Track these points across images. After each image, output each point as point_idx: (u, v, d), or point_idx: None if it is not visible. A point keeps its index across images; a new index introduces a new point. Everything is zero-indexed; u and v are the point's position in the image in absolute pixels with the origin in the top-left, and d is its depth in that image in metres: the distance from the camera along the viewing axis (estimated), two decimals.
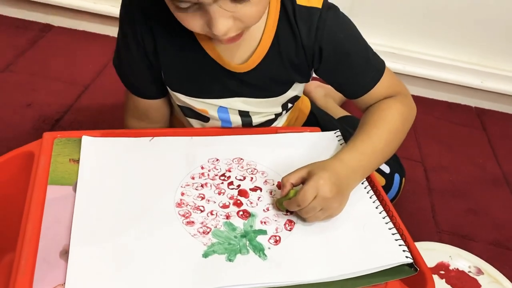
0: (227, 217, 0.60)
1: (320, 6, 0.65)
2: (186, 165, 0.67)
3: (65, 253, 0.52)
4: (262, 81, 0.70)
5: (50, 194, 0.59)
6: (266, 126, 0.79)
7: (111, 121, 1.11)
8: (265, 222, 0.60)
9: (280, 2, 0.65)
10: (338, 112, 1.13)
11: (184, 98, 0.73)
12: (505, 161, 1.23)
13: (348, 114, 1.13)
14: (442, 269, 0.86)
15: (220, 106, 0.73)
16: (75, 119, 1.11)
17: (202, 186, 0.64)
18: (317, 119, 0.92)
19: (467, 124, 1.37)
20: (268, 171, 0.68)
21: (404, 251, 0.58)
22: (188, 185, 0.64)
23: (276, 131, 0.77)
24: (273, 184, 0.66)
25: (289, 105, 0.79)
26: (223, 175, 0.66)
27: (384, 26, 1.36)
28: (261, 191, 0.65)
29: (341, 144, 0.73)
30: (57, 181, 0.61)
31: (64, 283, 0.49)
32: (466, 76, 1.39)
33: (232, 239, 0.57)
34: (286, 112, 0.82)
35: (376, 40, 1.35)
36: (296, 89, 0.75)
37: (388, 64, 1.38)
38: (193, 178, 0.65)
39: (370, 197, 0.65)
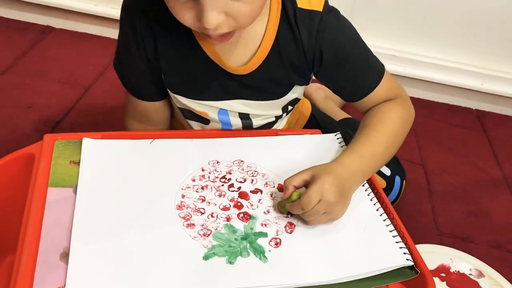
0: (228, 219, 0.60)
1: (321, 9, 0.66)
2: (187, 167, 0.66)
3: (65, 255, 0.52)
4: (263, 83, 0.70)
5: (51, 196, 0.59)
6: (267, 128, 0.80)
7: (112, 123, 1.11)
8: (265, 225, 0.60)
9: (281, 5, 0.65)
10: (339, 114, 1.13)
11: (184, 100, 0.73)
12: (506, 163, 1.23)
13: (348, 116, 1.13)
14: (443, 271, 0.86)
15: (220, 109, 0.73)
16: (75, 121, 1.11)
17: (202, 188, 0.64)
18: (318, 122, 0.92)
19: (468, 126, 1.37)
20: (269, 173, 0.68)
21: (405, 253, 0.58)
22: (189, 187, 0.64)
23: (277, 133, 0.77)
24: (274, 187, 0.66)
25: (289, 107, 0.79)
26: (224, 177, 0.66)
27: (385, 29, 1.37)
28: (261, 193, 0.65)
29: (341, 147, 0.73)
30: (57, 183, 0.61)
31: (64, 285, 0.49)
32: (467, 78, 1.39)
33: (233, 242, 0.57)
34: (287, 115, 0.82)
35: (377, 42, 1.36)
36: (296, 92, 0.75)
37: (389, 66, 1.39)
38: (193, 180, 0.65)
39: (371, 200, 0.65)
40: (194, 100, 0.73)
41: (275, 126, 0.81)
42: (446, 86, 1.41)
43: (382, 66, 0.73)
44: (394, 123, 0.69)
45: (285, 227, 0.60)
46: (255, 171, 0.68)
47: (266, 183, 0.66)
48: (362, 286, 0.55)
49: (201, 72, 0.69)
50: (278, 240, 0.58)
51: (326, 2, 0.67)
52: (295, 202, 0.59)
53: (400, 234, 0.61)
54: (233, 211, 0.61)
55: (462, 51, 1.38)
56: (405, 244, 0.59)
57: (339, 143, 0.74)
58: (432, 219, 1.02)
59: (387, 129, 0.68)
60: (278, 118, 0.79)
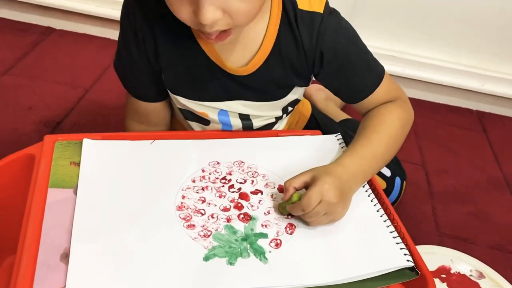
0: (228, 220, 0.60)
1: (321, 11, 0.66)
2: (187, 168, 0.66)
3: (65, 256, 0.52)
4: (263, 84, 0.70)
5: (51, 197, 0.59)
6: (267, 129, 0.80)
7: (112, 124, 1.11)
8: (266, 226, 0.60)
9: (282, 7, 0.65)
10: (339, 115, 1.13)
11: (184, 101, 0.73)
12: (506, 164, 1.23)
13: (349, 117, 1.13)
14: (443, 272, 0.86)
15: (221, 109, 0.73)
16: (76, 122, 1.11)
17: (203, 189, 0.64)
18: (318, 122, 0.92)
19: (468, 127, 1.37)
20: (269, 174, 0.68)
21: (405, 254, 0.58)
22: (189, 188, 0.64)
23: (277, 134, 0.77)
24: (274, 188, 0.66)
25: (289, 108, 0.79)
26: (224, 178, 0.66)
27: (385, 29, 1.37)
28: (262, 194, 0.65)
29: (342, 148, 0.73)
30: (57, 184, 0.61)
31: (65, 286, 0.49)
32: (467, 79, 1.39)
33: (233, 243, 0.57)
34: (287, 116, 0.82)
35: (377, 43, 1.36)
36: (296, 93, 0.75)
37: (388, 67, 1.39)
38: (194, 181, 0.65)
39: (371, 201, 0.65)
40: (194, 101, 0.73)
41: (275, 127, 0.81)
42: (446, 87, 1.41)
43: (382, 68, 0.73)
44: (394, 124, 0.69)
45: (286, 228, 0.60)
46: (256, 172, 0.68)
47: (267, 184, 0.66)
48: (362, 287, 0.55)
49: (201, 73, 0.69)
50: (278, 241, 0.58)
51: (327, 4, 0.67)
52: (295, 204, 0.59)
53: (400, 235, 0.61)
54: (234, 212, 0.61)
55: (462, 52, 1.38)
56: (406, 245, 0.59)
57: (340, 144, 0.74)
58: (432, 220, 1.02)
59: (387, 131, 0.68)
60: (278, 119, 0.79)
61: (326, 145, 0.74)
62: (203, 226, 0.58)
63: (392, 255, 0.58)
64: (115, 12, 1.38)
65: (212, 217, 0.60)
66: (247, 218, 0.61)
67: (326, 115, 1.02)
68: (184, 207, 0.61)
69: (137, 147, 0.69)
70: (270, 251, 0.56)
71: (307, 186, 0.61)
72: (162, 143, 0.70)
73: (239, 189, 0.65)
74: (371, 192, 0.67)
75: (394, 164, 0.95)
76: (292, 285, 0.53)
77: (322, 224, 0.60)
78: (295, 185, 0.61)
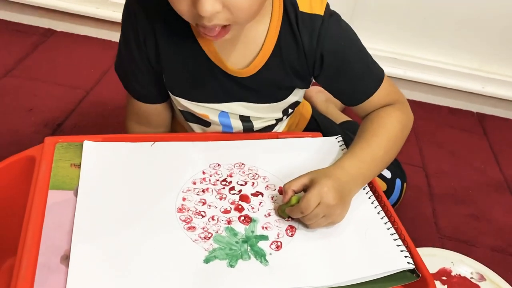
0: (229, 222, 0.60)
1: (322, 13, 0.66)
2: (187, 170, 0.66)
3: (65, 258, 0.52)
4: (263, 86, 0.70)
5: (51, 199, 0.59)
6: (267, 131, 0.80)
7: (113, 125, 1.11)
8: (266, 228, 0.60)
9: (283, 8, 0.66)
10: (339, 117, 1.13)
11: (185, 102, 0.73)
12: (507, 166, 1.23)
13: (349, 119, 1.13)
14: (444, 275, 0.86)
15: (221, 111, 0.73)
16: (76, 124, 1.11)
17: (203, 191, 0.64)
18: (318, 124, 0.92)
19: (469, 129, 1.37)
20: (270, 176, 0.68)
21: (406, 257, 0.58)
22: (190, 190, 0.64)
23: (278, 136, 0.77)
24: (275, 190, 0.66)
25: (290, 110, 0.79)
26: (225, 180, 0.66)
27: (385, 32, 1.37)
28: (262, 196, 0.65)
29: (342, 150, 0.73)
30: (58, 186, 0.61)
31: None
32: (467, 81, 1.39)
33: (234, 245, 0.57)
34: (287, 117, 0.82)
35: (377, 45, 1.36)
36: (297, 95, 0.75)
37: (389, 69, 1.39)
38: (194, 183, 0.65)
39: (372, 203, 0.65)
40: (195, 102, 0.73)
41: (275, 129, 0.81)
42: (447, 89, 1.41)
43: (382, 71, 0.73)
44: (393, 128, 0.69)
45: (286, 230, 0.60)
46: (256, 174, 0.68)
47: (267, 186, 0.66)
48: None
49: (202, 74, 0.69)
50: (279, 243, 0.58)
51: (328, 6, 0.67)
52: (294, 206, 0.59)
53: (401, 237, 0.60)
54: (234, 214, 0.61)
55: (463, 54, 1.38)
56: (406, 247, 0.59)
57: (340, 146, 0.74)
58: (433, 222, 1.02)
59: (386, 134, 0.69)
60: (278, 121, 0.79)
61: (326, 147, 0.74)
62: (203, 228, 0.58)
63: (392, 257, 0.58)
64: (116, 14, 1.38)
65: (213, 219, 0.60)
66: (247, 220, 0.61)
67: (326, 117, 1.02)
68: (185, 209, 0.61)
69: (137, 149, 0.69)
70: (270, 253, 0.56)
71: (306, 189, 0.61)
72: (162, 145, 0.70)
73: (240, 191, 0.65)
74: (372, 194, 0.67)
75: (395, 166, 0.95)
76: None
77: (321, 226, 0.60)
78: (294, 188, 0.61)
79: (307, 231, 0.60)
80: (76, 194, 0.60)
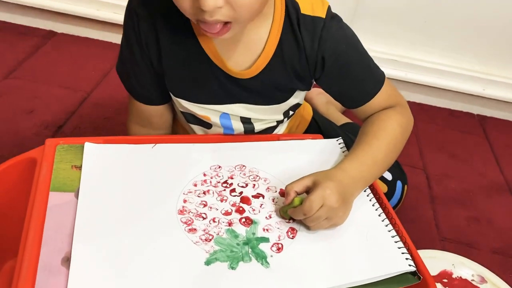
0: (230, 224, 0.60)
1: (324, 15, 0.66)
2: (188, 172, 0.66)
3: (66, 260, 0.52)
4: (265, 88, 0.70)
5: (52, 201, 0.59)
6: (268, 133, 0.80)
7: (114, 127, 1.11)
8: (267, 230, 0.60)
9: (285, 11, 0.66)
10: (340, 119, 1.13)
11: (187, 104, 0.73)
12: (508, 168, 1.23)
13: (350, 121, 1.13)
14: (445, 277, 0.85)
15: (223, 113, 0.74)
16: (77, 126, 1.11)
17: (204, 193, 0.64)
18: (319, 126, 0.92)
19: (469, 131, 1.37)
20: (271, 178, 0.68)
21: (407, 259, 0.58)
22: (190, 192, 0.63)
23: (278, 138, 0.77)
24: (276, 191, 0.66)
25: (291, 112, 0.79)
26: (225, 182, 0.66)
27: (386, 34, 1.37)
28: (263, 198, 0.65)
29: (343, 152, 0.73)
30: (59, 188, 0.61)
31: None
32: (468, 83, 1.39)
33: (235, 247, 0.57)
34: (288, 119, 0.82)
35: (378, 47, 1.36)
36: (298, 97, 0.75)
37: (390, 71, 1.39)
38: (195, 185, 0.65)
39: (373, 205, 0.65)
40: (197, 104, 0.73)
41: (276, 131, 0.81)
42: (448, 91, 1.41)
43: (383, 73, 0.73)
44: (394, 130, 0.69)
45: (287, 232, 0.60)
46: (257, 176, 0.68)
47: (268, 188, 0.66)
48: None
49: (203, 75, 0.69)
50: (280, 246, 0.58)
51: (329, 9, 0.67)
52: (297, 208, 0.59)
53: (402, 239, 0.60)
54: (235, 216, 0.61)
55: (463, 56, 1.38)
56: (407, 249, 0.59)
57: (341, 148, 0.74)
58: (434, 224, 1.02)
59: (387, 137, 0.69)
60: (279, 122, 0.79)
61: (327, 149, 0.74)
62: (204, 230, 0.58)
63: (394, 259, 0.58)
64: (117, 16, 1.39)
65: (214, 221, 0.60)
66: (248, 222, 0.61)
67: (327, 119, 1.02)
68: (186, 211, 0.61)
69: (138, 151, 0.69)
70: (271, 256, 0.56)
71: (308, 191, 0.61)
72: (163, 147, 0.70)
73: (241, 193, 0.65)
74: (373, 196, 0.67)
75: (395, 167, 0.95)
76: None
77: (323, 228, 0.60)
78: (297, 189, 0.61)
79: (308, 233, 0.60)
80: (77, 196, 0.60)
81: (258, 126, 0.77)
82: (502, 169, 1.22)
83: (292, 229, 0.61)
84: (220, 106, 0.73)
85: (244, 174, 0.68)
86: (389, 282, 0.56)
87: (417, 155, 1.22)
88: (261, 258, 0.56)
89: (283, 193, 0.65)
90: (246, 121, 0.75)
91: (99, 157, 0.66)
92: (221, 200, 0.63)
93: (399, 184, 0.95)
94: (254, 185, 0.66)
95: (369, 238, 0.60)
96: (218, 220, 0.60)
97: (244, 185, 0.66)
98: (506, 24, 1.31)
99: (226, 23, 0.57)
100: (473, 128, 1.39)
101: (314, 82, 0.74)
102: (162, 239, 0.56)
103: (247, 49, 0.67)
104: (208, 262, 0.54)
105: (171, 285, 0.51)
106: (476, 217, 1.06)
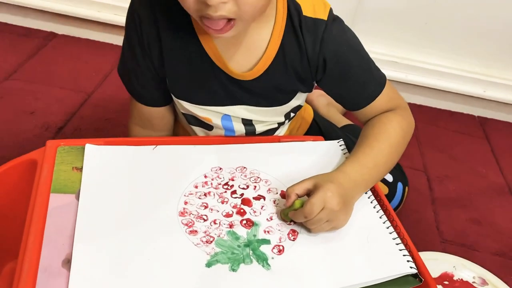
0: (231, 226, 0.60)
1: (325, 18, 0.66)
2: (189, 174, 0.66)
3: (67, 262, 0.52)
4: (267, 89, 0.70)
5: (53, 203, 0.59)
6: (269, 135, 0.80)
7: (114, 129, 1.11)
8: (268, 232, 0.60)
9: (287, 13, 0.66)
10: (341, 121, 1.13)
11: (188, 105, 0.73)
12: (508, 170, 1.23)
13: (351, 122, 1.13)
14: (446, 279, 0.85)
15: (224, 114, 0.73)
16: (78, 127, 1.11)
17: (205, 195, 0.64)
18: (320, 128, 0.92)
19: (470, 133, 1.37)
20: (272, 179, 0.68)
21: (408, 261, 0.57)
22: (191, 194, 0.63)
23: (280, 139, 0.77)
24: (277, 193, 0.66)
25: (292, 114, 0.79)
26: (226, 183, 0.66)
27: (387, 36, 1.37)
28: (264, 200, 0.64)
29: (344, 154, 0.73)
30: (60, 189, 0.61)
31: None
32: (469, 85, 1.39)
33: (236, 249, 0.57)
34: (289, 121, 0.82)
35: (379, 49, 1.36)
36: (299, 99, 0.75)
37: (391, 73, 1.39)
38: (196, 187, 0.65)
39: (374, 207, 0.65)
40: (198, 105, 0.73)
41: (277, 132, 0.81)
42: (448, 92, 1.41)
43: (384, 76, 0.73)
44: (395, 133, 0.69)
45: (288, 234, 0.60)
46: (258, 178, 0.68)
47: (269, 190, 0.66)
48: None
49: (205, 77, 0.69)
50: (281, 248, 0.58)
51: (331, 11, 0.67)
52: (297, 210, 0.59)
53: (403, 241, 0.60)
54: (236, 218, 0.61)
55: (464, 57, 1.38)
56: (409, 251, 0.59)
57: (342, 150, 0.74)
58: (434, 226, 1.02)
59: (388, 140, 0.69)
60: (280, 124, 0.79)
61: (328, 151, 0.74)
62: (205, 232, 0.58)
63: (395, 261, 0.58)
64: (117, 17, 1.39)
65: (215, 223, 0.60)
66: (249, 224, 0.60)
67: (328, 121, 1.02)
68: (187, 213, 0.60)
69: (139, 152, 0.69)
70: (272, 258, 0.56)
71: (309, 193, 0.61)
72: (164, 149, 0.70)
73: (242, 194, 0.65)
74: (374, 198, 0.67)
75: (396, 169, 0.95)
76: None
77: (324, 231, 0.60)
78: (297, 192, 0.61)
79: (309, 235, 0.60)
80: (77, 198, 0.60)
81: (259, 128, 0.77)
82: (503, 171, 1.22)
83: (293, 231, 0.60)
84: (222, 108, 0.73)
85: (245, 176, 0.68)
86: (390, 284, 0.56)
87: (418, 156, 1.22)
88: (262, 260, 0.56)
89: (284, 195, 0.64)
90: (247, 123, 0.75)
91: (100, 158, 0.66)
92: (222, 202, 0.63)
93: (400, 185, 0.95)
94: (255, 187, 0.66)
95: (370, 240, 0.60)
96: (219, 222, 0.60)
97: (245, 187, 0.66)
98: (507, 25, 1.31)
99: (229, 20, 0.57)
100: (474, 129, 1.39)
101: (315, 84, 0.74)
102: (162, 241, 0.56)
103: (249, 51, 0.67)
104: (209, 264, 0.54)
105: (172, 287, 0.51)
106: (477, 218, 1.06)
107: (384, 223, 0.63)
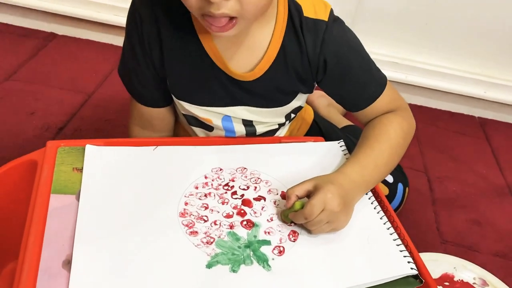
0: (231, 227, 0.60)
1: (326, 18, 0.66)
2: (190, 175, 0.66)
3: (67, 263, 0.52)
4: (267, 90, 0.70)
5: (53, 203, 0.58)
6: (269, 136, 0.79)
7: (114, 129, 1.11)
8: (269, 232, 0.60)
9: (288, 13, 0.66)
10: (341, 122, 1.13)
11: (189, 106, 0.73)
12: (509, 171, 1.22)
13: (351, 123, 1.13)
14: (446, 280, 0.85)
15: (225, 115, 0.73)
16: (78, 128, 1.11)
17: (205, 195, 0.64)
18: (320, 129, 0.92)
19: (470, 134, 1.37)
20: (272, 180, 0.68)
21: (409, 262, 0.57)
22: (192, 194, 0.63)
23: (280, 140, 0.77)
24: (277, 194, 0.66)
25: (292, 115, 0.79)
26: (227, 184, 0.66)
27: (387, 36, 1.37)
28: (264, 200, 0.64)
29: (345, 154, 0.73)
30: (60, 190, 0.60)
31: None
32: (469, 86, 1.39)
33: (236, 250, 0.57)
34: (289, 122, 0.82)
35: (379, 50, 1.36)
36: (300, 100, 0.75)
37: (391, 74, 1.39)
38: (196, 187, 0.65)
39: (375, 208, 0.65)
40: (199, 106, 0.73)
41: (277, 133, 0.81)
42: (449, 93, 1.41)
43: (384, 77, 0.73)
44: (396, 134, 0.69)
45: (289, 235, 0.60)
46: (258, 178, 0.68)
47: (270, 190, 0.66)
48: None
49: (206, 78, 0.69)
50: (281, 248, 0.58)
51: (331, 12, 0.67)
52: (298, 212, 0.59)
53: (404, 242, 0.60)
54: (236, 219, 0.61)
55: (464, 58, 1.38)
56: (409, 252, 0.59)
57: (342, 151, 0.74)
58: (435, 227, 1.02)
59: (389, 141, 0.69)
60: (281, 125, 0.79)
61: (329, 152, 0.74)
62: (206, 233, 0.58)
63: (395, 262, 0.58)
64: (117, 18, 1.39)
65: (215, 224, 0.60)
66: (250, 224, 0.60)
67: (328, 121, 1.02)
68: (187, 213, 0.60)
69: (139, 153, 0.69)
70: (273, 258, 0.56)
71: (309, 195, 0.61)
72: (164, 149, 0.70)
73: (242, 195, 0.65)
74: (374, 199, 0.67)
75: (397, 170, 0.95)
76: None
77: (324, 232, 0.60)
78: (298, 193, 0.60)
79: (310, 236, 0.60)
80: (78, 199, 0.60)
81: (260, 129, 0.77)
82: (503, 172, 1.22)
83: (294, 232, 0.60)
84: (222, 109, 0.72)
85: (246, 177, 0.68)
86: (391, 285, 0.56)
87: (418, 157, 1.22)
88: (263, 261, 0.56)
89: (284, 196, 0.64)
90: (248, 124, 0.75)
91: (100, 159, 0.66)
92: (223, 203, 0.63)
93: (400, 186, 0.95)
94: (256, 187, 0.66)
95: (370, 241, 0.60)
96: (220, 223, 0.60)
97: (245, 187, 0.66)
98: (507, 26, 1.31)
99: (231, 18, 0.57)
100: (474, 130, 1.39)
101: (316, 85, 0.74)
102: (163, 242, 0.56)
103: (250, 52, 0.67)
104: (209, 265, 0.54)
105: None
106: (477, 219, 1.05)
107: (384, 224, 0.63)
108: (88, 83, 1.27)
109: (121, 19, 1.35)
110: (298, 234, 0.60)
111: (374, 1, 1.32)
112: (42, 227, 0.55)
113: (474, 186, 1.16)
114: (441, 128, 1.37)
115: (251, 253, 0.56)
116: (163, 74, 0.71)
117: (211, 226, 0.59)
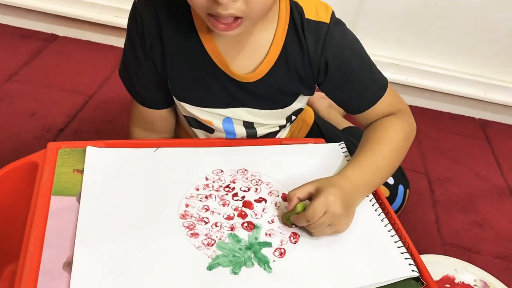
0: (232, 228, 0.60)
1: (328, 21, 0.66)
2: (191, 176, 0.66)
3: (68, 264, 0.52)
4: (269, 92, 0.70)
5: (54, 205, 0.58)
6: (270, 137, 0.79)
7: (115, 131, 1.11)
8: (270, 234, 0.60)
9: (289, 15, 0.66)
10: (342, 123, 1.13)
11: (190, 108, 0.73)
12: (509, 173, 1.22)
13: (352, 125, 1.13)
14: (447, 282, 0.85)
15: (225, 117, 0.73)
16: (78, 129, 1.11)
17: (206, 197, 0.64)
18: (321, 130, 0.92)
19: (471, 135, 1.37)
20: (273, 182, 0.68)
21: (410, 264, 0.57)
22: (193, 196, 0.63)
23: (281, 142, 0.77)
24: (278, 196, 0.66)
25: (293, 117, 0.79)
26: (228, 186, 0.66)
27: (388, 38, 1.37)
28: (265, 202, 0.64)
29: (345, 156, 0.73)
30: (60, 192, 0.60)
31: None
32: (470, 87, 1.39)
33: (237, 251, 0.56)
34: (290, 124, 0.82)
35: (380, 51, 1.36)
36: (301, 101, 0.75)
37: (391, 75, 1.39)
38: (197, 189, 0.65)
39: (375, 210, 0.65)
40: (200, 108, 0.73)
41: (278, 135, 0.81)
42: (449, 95, 1.41)
43: (385, 79, 0.73)
44: (397, 137, 0.69)
45: (290, 237, 0.60)
46: (259, 180, 0.68)
47: (270, 192, 0.66)
48: None
49: (207, 79, 0.69)
50: (282, 250, 0.58)
51: (333, 14, 0.67)
52: (300, 214, 0.59)
53: (405, 244, 0.60)
54: (237, 221, 0.61)
55: (465, 60, 1.38)
56: (410, 254, 0.59)
57: (343, 152, 0.74)
58: (436, 229, 1.02)
59: (390, 144, 0.68)
60: (281, 127, 0.79)
61: (330, 154, 0.74)
62: (206, 234, 0.58)
63: (396, 264, 0.58)
64: (118, 19, 1.39)
65: (216, 226, 0.60)
66: (251, 226, 0.60)
67: (329, 123, 1.02)
68: (188, 215, 0.60)
69: (140, 154, 0.69)
70: (274, 260, 0.56)
71: (310, 197, 0.61)
72: (165, 151, 0.70)
73: (243, 197, 0.65)
74: (375, 201, 0.66)
75: (397, 172, 0.95)
76: None
77: (325, 235, 0.60)
78: (299, 196, 0.60)
79: (311, 238, 0.60)
80: (78, 200, 0.60)
81: (260, 131, 0.77)
82: (504, 173, 1.22)
83: (295, 234, 0.60)
84: (224, 110, 0.72)
85: (247, 178, 0.68)
86: (392, 287, 0.56)
87: (419, 159, 1.22)
88: (264, 263, 0.56)
89: (285, 198, 0.64)
90: (248, 125, 0.75)
91: (101, 161, 0.66)
92: (223, 205, 0.63)
93: (401, 188, 0.95)
94: (257, 189, 0.66)
95: (371, 243, 0.60)
96: (220, 225, 0.60)
97: (246, 189, 0.66)
98: (508, 28, 1.31)
99: (236, 18, 0.57)
100: (475, 132, 1.39)
101: (317, 87, 0.74)
102: (164, 244, 0.56)
103: (251, 53, 0.67)
104: (210, 267, 0.54)
105: None
106: (478, 221, 1.05)
107: (385, 226, 0.63)
108: (89, 84, 1.27)
109: (122, 21, 1.35)
110: (299, 236, 0.60)
111: (375, 2, 1.32)
112: (42, 228, 0.55)
113: (475, 187, 1.16)
114: (441, 130, 1.37)
115: (252, 255, 0.56)
116: (164, 75, 0.71)
117: (212, 228, 0.59)
